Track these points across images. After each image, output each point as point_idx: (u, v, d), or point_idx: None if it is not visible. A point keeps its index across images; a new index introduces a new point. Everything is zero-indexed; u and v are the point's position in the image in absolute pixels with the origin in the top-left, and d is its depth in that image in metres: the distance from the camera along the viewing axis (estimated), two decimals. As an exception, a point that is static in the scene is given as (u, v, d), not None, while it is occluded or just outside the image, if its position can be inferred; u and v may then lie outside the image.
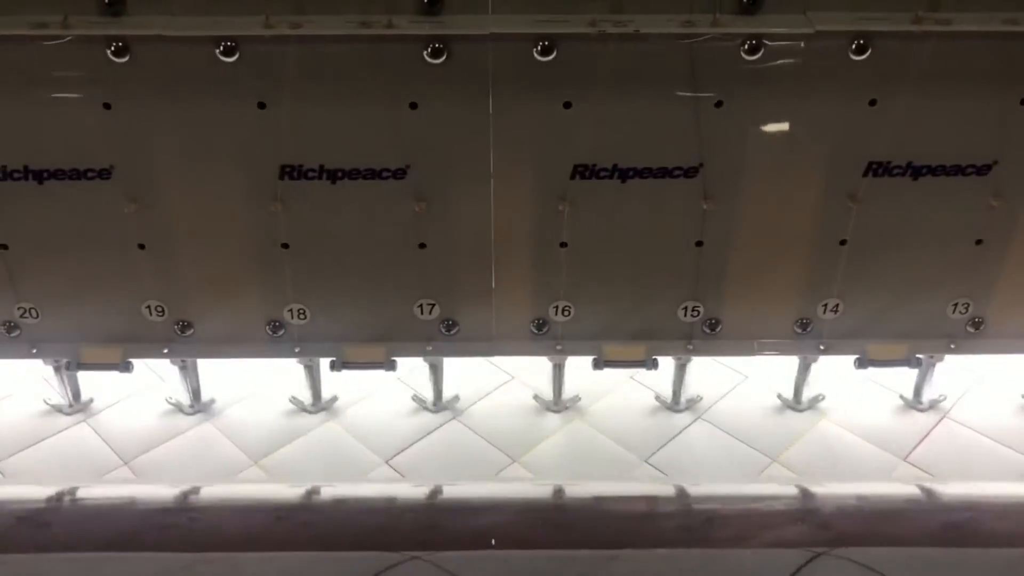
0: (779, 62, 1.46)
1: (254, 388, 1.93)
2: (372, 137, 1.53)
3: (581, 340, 1.75)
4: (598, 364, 1.75)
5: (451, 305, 1.71)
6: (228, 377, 1.92)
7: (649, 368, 1.75)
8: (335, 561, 1.13)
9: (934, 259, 1.66)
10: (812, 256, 1.66)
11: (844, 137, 1.54)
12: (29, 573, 1.14)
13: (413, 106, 1.50)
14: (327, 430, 1.82)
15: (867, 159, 1.55)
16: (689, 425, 1.82)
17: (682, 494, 1.32)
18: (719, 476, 1.70)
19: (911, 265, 1.66)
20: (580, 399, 1.88)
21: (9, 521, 1.25)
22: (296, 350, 1.76)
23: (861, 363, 1.75)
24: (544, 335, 1.75)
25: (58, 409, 1.85)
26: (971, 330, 1.73)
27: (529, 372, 1.96)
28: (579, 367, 1.82)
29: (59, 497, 1.32)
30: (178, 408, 1.86)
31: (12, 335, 1.73)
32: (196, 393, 1.86)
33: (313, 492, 1.34)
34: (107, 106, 1.50)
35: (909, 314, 1.72)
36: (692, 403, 1.87)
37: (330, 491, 1.36)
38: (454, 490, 1.35)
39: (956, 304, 1.70)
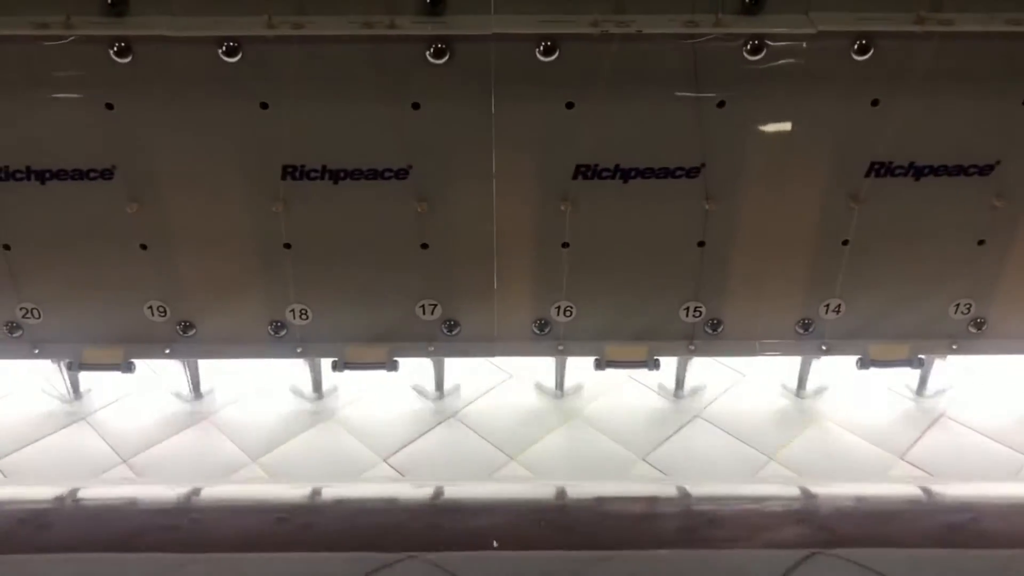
0: (781, 62, 1.46)
1: (253, 386, 1.92)
2: (374, 137, 1.53)
3: (583, 340, 1.75)
4: (600, 364, 1.75)
5: (453, 305, 1.71)
6: (227, 372, 1.92)
7: (651, 368, 1.75)
8: (336, 561, 1.13)
9: (936, 259, 1.66)
10: (814, 256, 1.66)
11: (846, 137, 1.54)
12: (31, 574, 1.14)
13: (415, 106, 1.50)
14: (326, 428, 1.82)
15: (869, 159, 1.55)
16: (687, 423, 1.82)
17: (681, 495, 1.32)
18: (717, 474, 1.70)
19: (913, 265, 1.66)
20: (583, 387, 1.88)
21: (11, 522, 1.25)
22: (298, 350, 1.76)
23: (863, 363, 1.75)
24: (546, 335, 1.75)
25: (58, 398, 1.86)
26: (973, 330, 1.73)
27: (528, 370, 1.95)
28: (579, 365, 1.83)
29: (61, 498, 1.32)
30: (178, 397, 1.87)
31: (14, 335, 1.73)
32: (196, 386, 1.86)
33: (314, 493, 1.34)
34: (109, 106, 1.50)
35: (911, 314, 1.72)
36: (696, 391, 1.87)
37: (331, 491, 1.36)
38: (455, 490, 1.35)
39: (958, 304, 1.70)
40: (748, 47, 1.43)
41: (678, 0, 1.43)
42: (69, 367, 1.77)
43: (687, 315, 1.71)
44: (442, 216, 1.61)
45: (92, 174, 1.56)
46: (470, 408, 1.87)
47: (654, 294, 1.70)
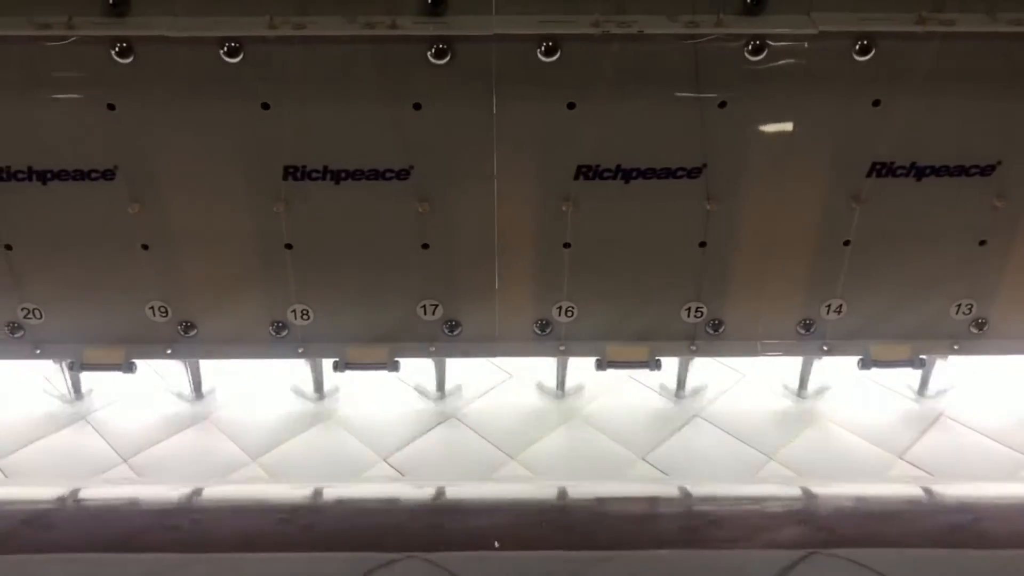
0: (783, 63, 1.46)
1: (253, 385, 1.92)
2: (375, 138, 1.53)
3: (584, 341, 1.75)
4: (601, 365, 1.75)
5: (454, 306, 1.71)
6: (228, 372, 1.92)
7: (652, 369, 1.75)
8: (336, 561, 1.14)
9: (937, 260, 1.66)
10: (815, 257, 1.66)
11: (848, 138, 1.54)
12: (32, 574, 1.14)
13: (417, 107, 1.50)
14: (325, 428, 1.82)
15: (871, 159, 1.55)
16: (687, 423, 1.82)
17: (681, 495, 1.32)
18: (717, 474, 1.70)
19: (914, 266, 1.66)
20: (584, 388, 1.88)
21: (13, 522, 1.25)
22: (299, 351, 1.76)
23: (864, 364, 1.75)
24: (547, 336, 1.75)
25: (59, 398, 1.86)
26: (974, 331, 1.73)
27: (527, 370, 1.96)
28: (579, 365, 1.83)
29: (63, 498, 1.33)
30: (179, 397, 1.87)
31: (16, 336, 1.73)
32: (198, 385, 1.86)
33: (315, 493, 1.34)
34: (111, 107, 1.50)
35: (912, 315, 1.72)
36: (696, 391, 1.87)
37: (332, 492, 1.36)
38: (455, 490, 1.35)
39: (959, 305, 1.70)
40: (749, 47, 1.43)
41: (679, 0, 1.43)
42: (70, 367, 1.78)
43: (688, 315, 1.71)
44: (443, 216, 1.61)
45: (94, 174, 1.56)
46: (470, 408, 1.87)
47: (655, 294, 1.70)
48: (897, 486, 1.42)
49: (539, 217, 1.61)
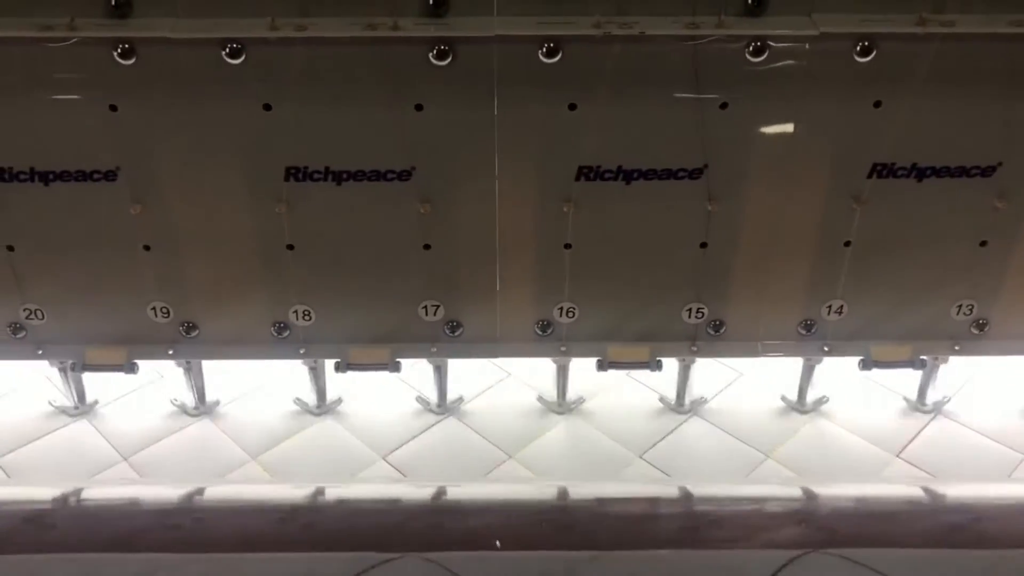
0: (784, 64, 1.46)
1: (253, 385, 1.93)
2: (377, 139, 1.54)
3: (585, 342, 1.75)
4: (602, 365, 1.75)
5: (455, 306, 1.72)
6: (227, 372, 1.93)
7: (653, 370, 1.75)
8: (336, 562, 1.14)
9: (938, 261, 1.66)
10: (816, 258, 1.66)
11: (848, 139, 1.54)
12: (33, 574, 1.15)
13: (418, 108, 1.50)
14: (325, 427, 1.82)
15: (871, 161, 1.55)
16: (684, 422, 1.83)
17: (681, 495, 1.32)
18: (714, 472, 1.71)
19: (915, 267, 1.66)
20: (584, 400, 1.88)
21: (15, 522, 1.25)
22: (301, 351, 1.76)
23: (865, 364, 1.75)
24: (548, 336, 1.75)
25: (63, 411, 1.85)
26: (975, 331, 1.73)
27: (526, 369, 1.96)
28: (578, 366, 1.82)
29: (64, 498, 1.33)
30: (182, 410, 1.86)
31: (18, 336, 1.73)
32: (201, 394, 1.86)
33: (315, 493, 1.35)
34: (113, 108, 1.50)
35: (913, 315, 1.72)
36: (697, 405, 1.87)
37: (332, 492, 1.36)
38: (455, 490, 1.35)
39: (960, 305, 1.70)
40: (750, 48, 1.44)
41: (680, 2, 1.43)
42: (72, 368, 1.78)
43: (689, 316, 1.71)
44: (445, 217, 1.61)
45: (96, 175, 1.56)
46: (468, 406, 1.88)
47: (656, 295, 1.70)
48: (897, 486, 1.43)
49: (540, 218, 1.61)
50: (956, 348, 1.75)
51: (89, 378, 1.87)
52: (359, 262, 1.66)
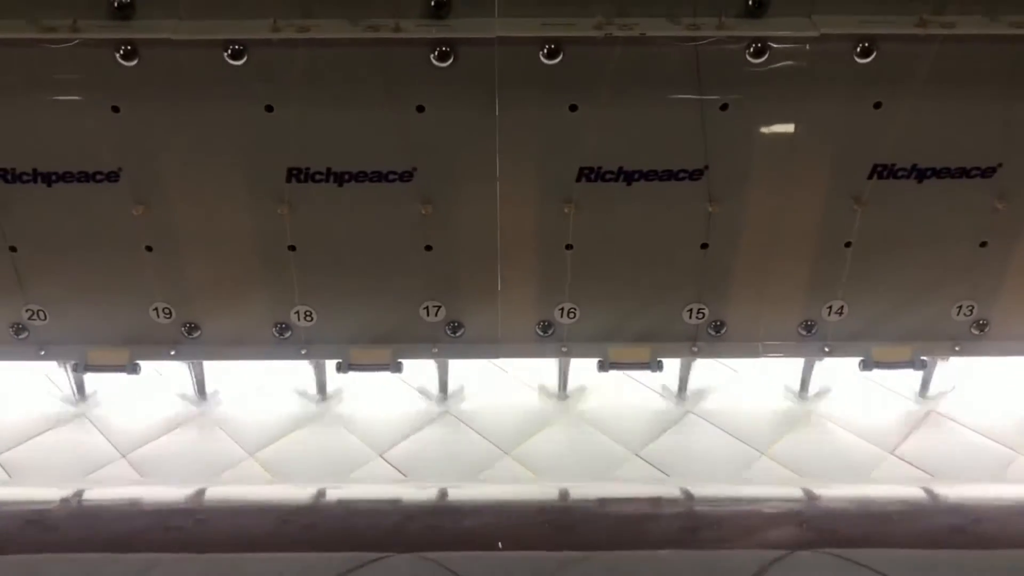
0: (784, 65, 1.46)
1: (251, 382, 1.93)
2: (378, 140, 1.54)
3: (586, 342, 1.76)
4: (603, 366, 1.75)
5: (457, 307, 1.72)
6: (226, 370, 1.92)
7: (654, 370, 1.75)
8: (336, 561, 1.14)
9: (938, 261, 1.66)
10: (817, 258, 1.66)
11: (849, 140, 1.54)
12: (34, 574, 1.15)
13: (420, 109, 1.51)
14: (322, 424, 1.82)
15: (872, 161, 1.56)
16: (680, 419, 1.82)
17: (681, 495, 1.32)
18: (710, 470, 1.70)
19: (915, 267, 1.67)
20: (586, 389, 1.89)
21: (14, 522, 1.26)
22: (302, 352, 1.76)
23: (865, 365, 1.75)
24: (549, 337, 1.75)
25: (64, 402, 1.86)
26: (976, 332, 1.73)
27: (524, 368, 1.95)
28: (578, 365, 1.83)
29: (64, 499, 1.33)
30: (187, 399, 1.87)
31: (20, 337, 1.74)
32: (201, 386, 1.86)
33: (316, 494, 1.35)
34: (115, 109, 1.51)
35: (914, 316, 1.72)
36: (698, 396, 1.87)
37: (332, 492, 1.36)
38: (455, 491, 1.35)
39: (960, 306, 1.71)
40: (751, 50, 1.44)
41: (681, 3, 1.43)
42: (75, 368, 1.78)
43: (690, 317, 1.72)
44: (446, 218, 1.62)
45: (98, 176, 1.56)
46: (466, 404, 1.88)
47: (657, 296, 1.70)
48: (896, 487, 1.43)
49: (541, 219, 1.62)
50: (956, 349, 1.75)
51: (89, 376, 1.88)
52: (360, 263, 1.67)
